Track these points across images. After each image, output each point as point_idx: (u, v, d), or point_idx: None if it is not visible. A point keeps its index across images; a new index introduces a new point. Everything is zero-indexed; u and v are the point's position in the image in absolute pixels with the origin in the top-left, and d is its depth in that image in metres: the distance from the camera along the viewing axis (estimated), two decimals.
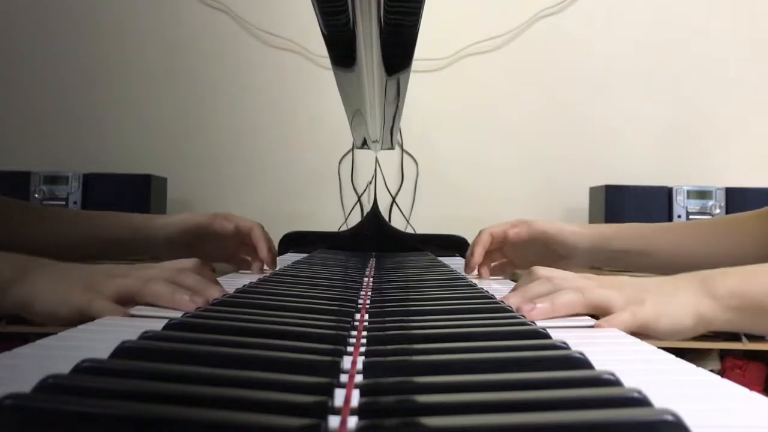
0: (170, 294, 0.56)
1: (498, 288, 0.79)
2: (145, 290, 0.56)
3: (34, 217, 0.96)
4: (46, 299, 0.55)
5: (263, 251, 0.92)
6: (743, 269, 0.61)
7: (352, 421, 0.26)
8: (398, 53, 0.62)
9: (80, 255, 0.93)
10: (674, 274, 0.61)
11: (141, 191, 2.00)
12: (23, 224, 0.93)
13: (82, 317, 0.52)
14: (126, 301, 0.55)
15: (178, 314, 0.48)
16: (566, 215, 2.28)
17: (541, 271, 0.63)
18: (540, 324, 0.48)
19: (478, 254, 0.94)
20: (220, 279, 0.85)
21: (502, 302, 0.56)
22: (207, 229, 0.92)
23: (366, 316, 0.52)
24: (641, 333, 0.54)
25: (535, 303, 0.55)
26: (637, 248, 0.94)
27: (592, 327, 0.53)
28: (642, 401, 0.27)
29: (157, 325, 0.41)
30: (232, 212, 0.98)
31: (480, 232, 0.97)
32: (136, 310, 0.54)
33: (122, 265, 0.61)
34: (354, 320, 0.49)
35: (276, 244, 1.50)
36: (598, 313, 0.56)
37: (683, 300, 0.57)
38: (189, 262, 0.63)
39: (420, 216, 2.27)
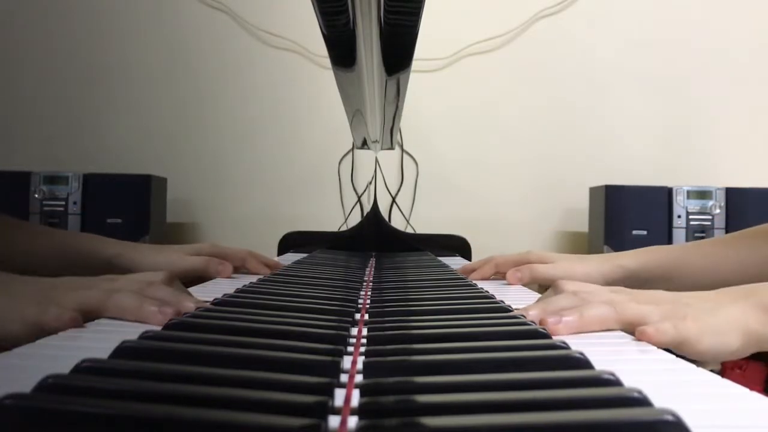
0: (137, 306, 0.50)
1: (517, 297, 0.75)
2: (109, 303, 0.51)
3: (11, 229, 0.91)
4: None
5: (266, 272, 0.91)
6: None
7: (352, 421, 0.26)
8: (398, 53, 0.62)
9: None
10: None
11: (141, 191, 2.00)
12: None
13: (40, 332, 0.46)
14: (88, 316, 0.50)
15: (143, 328, 0.42)
16: (566, 215, 2.28)
17: (567, 285, 0.58)
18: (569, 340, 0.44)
19: (472, 277, 0.91)
20: (220, 279, 0.85)
21: (523, 316, 0.50)
22: (200, 274, 0.87)
23: (366, 316, 0.52)
24: (680, 350, 0.49)
25: (562, 316, 0.50)
26: (658, 273, 0.86)
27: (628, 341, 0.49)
28: (642, 401, 0.27)
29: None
30: (217, 241, 0.96)
31: (489, 260, 0.92)
32: (95, 323, 0.49)
33: (85, 278, 0.55)
34: (354, 320, 0.49)
35: (276, 244, 1.51)
36: (631, 330, 0.50)
37: (728, 315, 0.51)
38: (159, 275, 0.57)
39: (420, 216, 2.27)
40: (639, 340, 0.47)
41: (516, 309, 0.53)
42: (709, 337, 0.49)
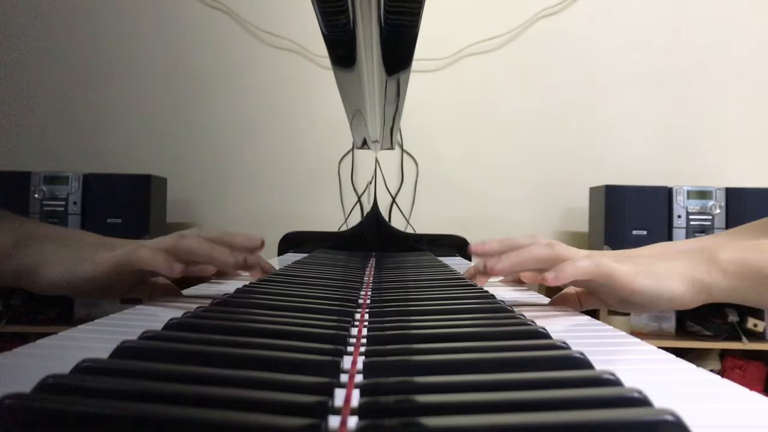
0: (208, 247, 0.53)
1: (516, 296, 0.78)
2: (181, 243, 0.53)
3: None
4: (57, 263, 0.51)
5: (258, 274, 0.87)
6: (747, 242, 0.57)
7: (352, 421, 0.26)
8: (398, 53, 0.62)
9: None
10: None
11: (141, 191, 2.00)
12: None
13: (119, 268, 0.50)
14: (121, 269, 0.52)
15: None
16: (566, 215, 2.28)
17: (521, 239, 0.62)
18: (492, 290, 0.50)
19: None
20: (220, 280, 0.85)
21: (531, 322, 0.48)
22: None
23: (366, 316, 0.52)
24: (610, 285, 0.51)
25: (501, 258, 0.55)
26: None
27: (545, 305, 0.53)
28: (642, 401, 0.27)
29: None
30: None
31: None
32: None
33: (111, 238, 0.59)
34: (354, 320, 0.49)
35: (276, 244, 1.50)
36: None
37: (677, 266, 0.53)
38: (190, 231, 0.59)
39: (420, 216, 2.27)
40: (556, 277, 0.51)
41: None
42: (645, 278, 0.51)
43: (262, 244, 0.63)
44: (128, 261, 0.53)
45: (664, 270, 0.52)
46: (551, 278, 0.52)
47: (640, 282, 0.51)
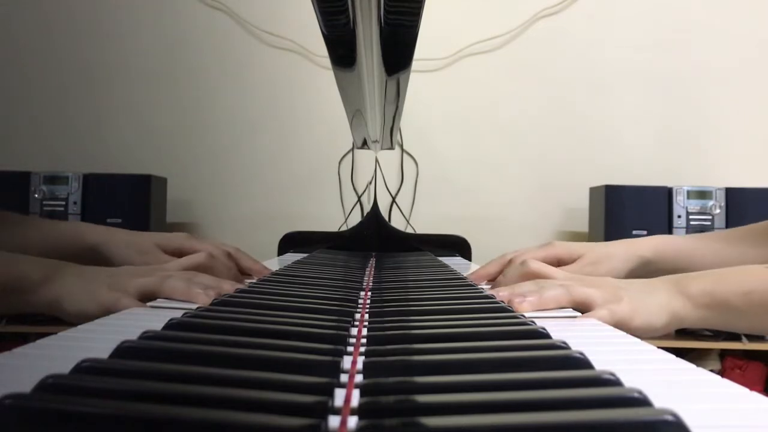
0: (186, 288, 0.60)
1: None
2: (164, 287, 0.61)
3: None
4: (74, 299, 0.60)
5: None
6: (716, 272, 0.66)
7: (352, 421, 0.26)
8: (398, 53, 0.62)
9: None
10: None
11: (141, 191, 2.00)
12: None
13: (108, 312, 0.56)
14: (147, 298, 0.60)
15: (193, 306, 0.54)
16: (566, 215, 2.28)
17: (533, 265, 0.71)
18: (529, 315, 0.54)
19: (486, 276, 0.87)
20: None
21: (531, 322, 0.51)
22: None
23: (366, 316, 0.52)
24: (618, 328, 0.57)
25: (525, 296, 0.60)
26: (671, 266, 0.92)
27: (574, 318, 0.57)
28: (642, 401, 0.27)
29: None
30: (217, 240, 0.94)
31: (510, 261, 0.87)
32: (156, 302, 0.59)
33: (141, 267, 0.69)
34: (354, 320, 0.49)
35: (276, 244, 1.50)
36: (580, 309, 0.60)
37: (657, 299, 0.61)
38: (200, 257, 0.72)
39: (420, 216, 2.27)
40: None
41: (489, 289, 0.64)
42: (641, 317, 0.60)
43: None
44: (153, 291, 0.61)
45: (654, 306, 0.61)
46: None
47: (638, 321, 0.60)
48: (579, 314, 0.58)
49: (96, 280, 0.61)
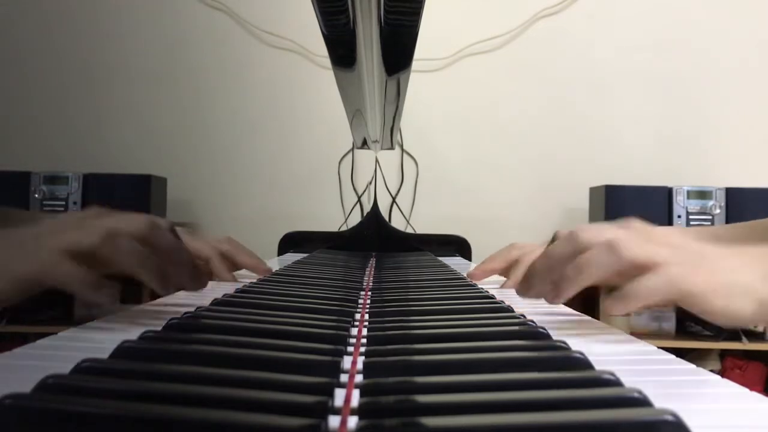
0: (142, 259, 0.44)
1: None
2: (108, 245, 0.43)
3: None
4: None
5: (228, 278, 0.81)
6: None
7: (352, 421, 0.26)
8: (398, 53, 0.62)
9: None
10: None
11: (141, 191, 2.00)
12: None
13: (37, 287, 0.41)
14: (83, 260, 0.43)
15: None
16: (566, 215, 2.28)
17: (563, 232, 0.53)
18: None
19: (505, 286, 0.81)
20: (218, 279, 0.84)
21: (531, 322, 0.45)
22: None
23: (366, 316, 0.52)
24: (685, 305, 0.44)
25: (558, 285, 0.46)
26: None
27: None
28: (642, 401, 0.27)
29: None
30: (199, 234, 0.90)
31: (518, 261, 0.81)
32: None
33: (75, 214, 0.48)
34: (354, 320, 0.49)
35: (276, 244, 1.50)
36: (637, 273, 0.44)
37: (744, 279, 0.46)
38: (164, 221, 0.50)
39: (420, 216, 2.27)
40: (625, 305, 0.44)
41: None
42: (721, 300, 0.44)
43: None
44: (38, 280, 0.42)
45: (738, 287, 0.45)
46: (618, 307, 0.45)
47: (715, 303, 0.44)
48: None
49: (4, 245, 0.44)
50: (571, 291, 0.46)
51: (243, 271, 0.93)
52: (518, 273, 0.80)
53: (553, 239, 0.55)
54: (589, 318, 0.56)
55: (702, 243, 0.48)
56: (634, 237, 0.46)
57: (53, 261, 0.41)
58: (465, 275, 0.86)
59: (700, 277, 0.44)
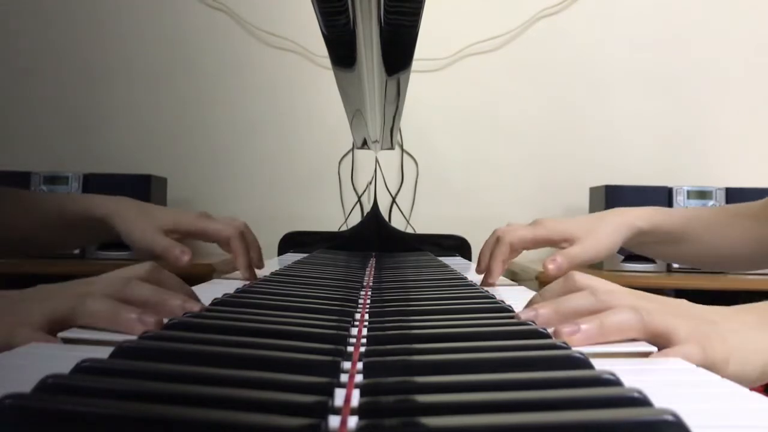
0: (112, 313, 0.44)
1: (518, 296, 0.72)
2: (79, 310, 0.45)
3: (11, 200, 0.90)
4: None
5: (243, 262, 0.87)
6: None
7: (353, 421, 0.26)
8: (398, 53, 0.62)
9: (55, 239, 0.90)
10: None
11: (141, 191, 2.00)
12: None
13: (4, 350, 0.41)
14: (59, 327, 0.44)
15: (123, 337, 0.38)
16: (566, 215, 2.28)
17: (581, 278, 0.51)
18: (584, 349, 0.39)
19: (498, 270, 0.85)
20: (219, 280, 0.85)
21: (531, 323, 0.45)
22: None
23: (366, 316, 0.52)
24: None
25: (579, 324, 0.44)
26: (665, 238, 0.87)
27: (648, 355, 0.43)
28: (642, 401, 0.27)
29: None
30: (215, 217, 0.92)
31: (498, 240, 0.86)
32: (67, 332, 0.44)
33: (58, 284, 0.49)
34: (354, 320, 0.49)
35: (276, 244, 1.51)
36: (657, 343, 0.44)
37: (755, 344, 0.47)
38: (142, 268, 0.51)
39: (420, 216, 2.27)
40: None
41: (521, 311, 0.50)
42: (735, 366, 0.45)
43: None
44: (65, 317, 0.45)
45: (750, 353, 0.46)
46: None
47: (731, 370, 0.45)
48: (654, 349, 0.44)
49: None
50: (589, 342, 0.45)
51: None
52: (498, 253, 0.85)
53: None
54: (645, 343, 0.53)
55: (703, 309, 0.49)
56: (654, 307, 0.46)
57: (14, 329, 0.43)
58: (464, 275, 0.86)
59: (717, 345, 0.45)
